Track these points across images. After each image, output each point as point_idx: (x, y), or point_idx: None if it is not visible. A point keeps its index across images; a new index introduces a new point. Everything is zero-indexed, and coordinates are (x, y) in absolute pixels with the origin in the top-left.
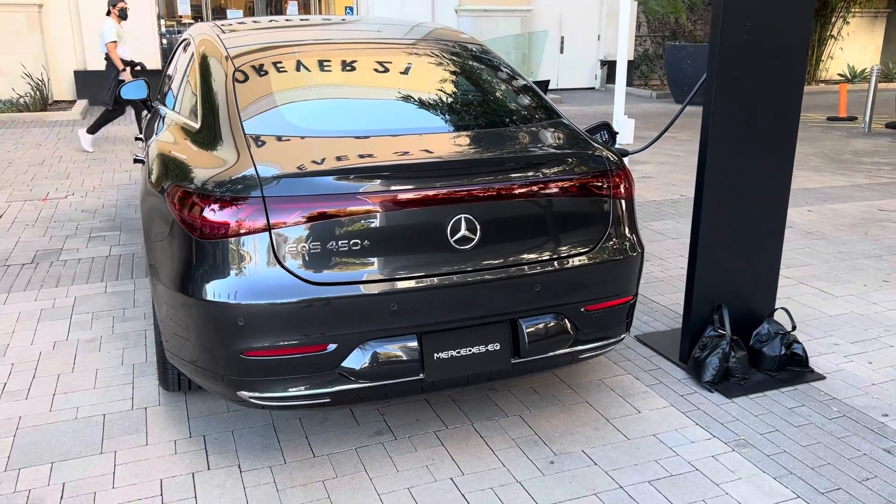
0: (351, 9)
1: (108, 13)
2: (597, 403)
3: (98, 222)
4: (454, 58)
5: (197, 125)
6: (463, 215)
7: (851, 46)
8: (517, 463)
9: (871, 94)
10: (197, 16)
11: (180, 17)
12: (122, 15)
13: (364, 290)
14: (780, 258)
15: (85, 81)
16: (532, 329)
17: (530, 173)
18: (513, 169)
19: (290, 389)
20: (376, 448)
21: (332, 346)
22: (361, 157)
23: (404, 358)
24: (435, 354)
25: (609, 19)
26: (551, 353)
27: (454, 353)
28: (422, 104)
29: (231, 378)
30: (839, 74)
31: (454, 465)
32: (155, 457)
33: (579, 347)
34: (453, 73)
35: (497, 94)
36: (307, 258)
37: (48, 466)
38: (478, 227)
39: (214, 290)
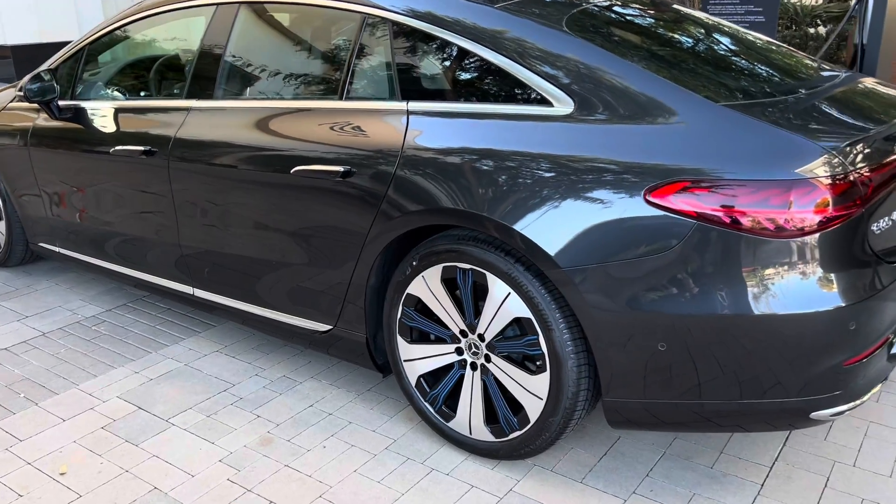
0: None
1: None
2: None
3: None
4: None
5: (565, 108)
6: None
7: None
8: None
9: None
10: None
11: None
12: None
13: None
14: None
15: None
16: None
17: None
18: None
19: (860, 396)
20: None
21: None
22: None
23: None
24: None
25: None
26: None
27: None
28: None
29: (813, 399)
30: None
31: None
32: None
33: None
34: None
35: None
36: (883, 235)
37: None
38: None
39: (820, 297)
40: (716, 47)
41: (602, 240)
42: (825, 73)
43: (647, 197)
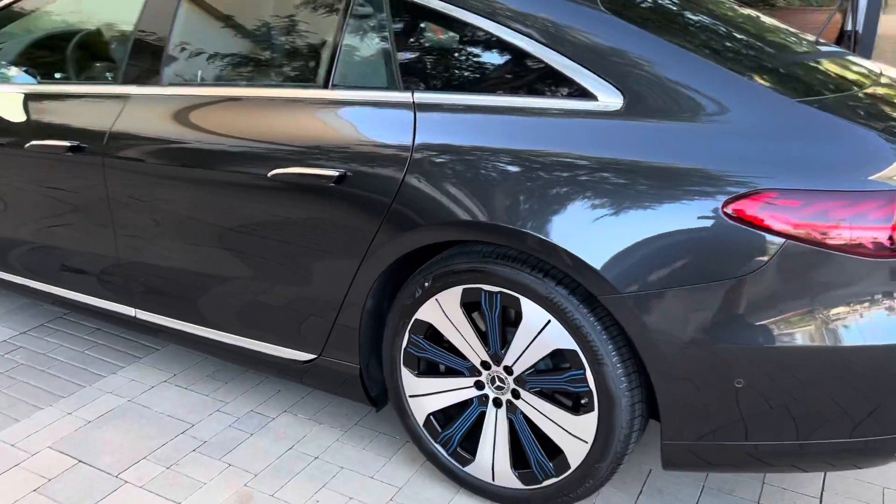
0: None
1: None
2: None
3: None
4: None
5: (612, 103)
6: None
7: None
8: None
9: None
10: None
11: None
12: None
13: None
14: None
15: None
16: None
17: None
18: None
19: None
20: None
21: None
22: None
23: None
24: None
25: None
26: None
27: None
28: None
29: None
30: None
31: None
32: None
33: None
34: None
35: None
36: None
37: None
38: None
39: None
40: (767, 35)
41: (670, 259)
42: (860, 61)
43: (725, 209)
